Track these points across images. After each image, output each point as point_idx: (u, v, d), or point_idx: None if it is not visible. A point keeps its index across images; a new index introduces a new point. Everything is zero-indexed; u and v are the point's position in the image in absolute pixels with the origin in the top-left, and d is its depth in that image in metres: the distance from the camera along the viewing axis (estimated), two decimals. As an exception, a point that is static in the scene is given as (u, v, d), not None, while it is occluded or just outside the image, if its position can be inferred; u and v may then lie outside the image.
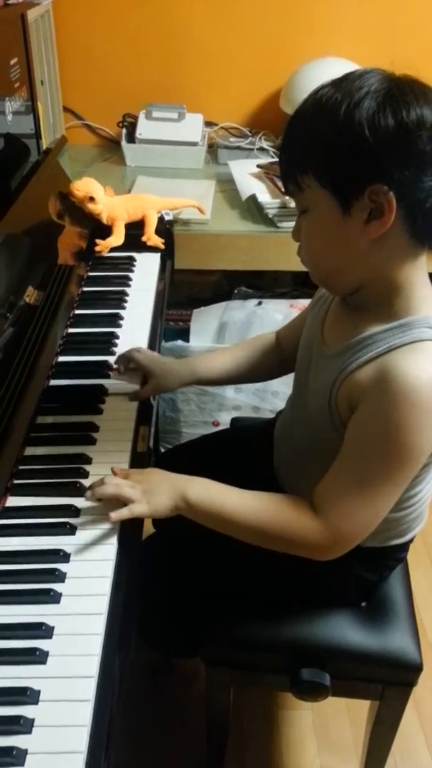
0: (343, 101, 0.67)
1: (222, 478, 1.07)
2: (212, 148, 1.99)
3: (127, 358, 1.04)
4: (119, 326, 1.17)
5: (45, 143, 1.49)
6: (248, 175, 1.75)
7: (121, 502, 0.78)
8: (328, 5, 1.86)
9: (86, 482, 0.83)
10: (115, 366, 1.05)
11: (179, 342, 1.71)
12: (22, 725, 0.57)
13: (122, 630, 0.68)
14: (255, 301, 1.75)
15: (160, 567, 1.05)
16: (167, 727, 1.28)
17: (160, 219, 1.45)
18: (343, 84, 0.68)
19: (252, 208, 1.67)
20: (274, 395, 1.70)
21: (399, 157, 0.66)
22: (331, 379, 0.79)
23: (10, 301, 1.00)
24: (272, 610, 0.96)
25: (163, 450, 1.65)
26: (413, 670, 0.94)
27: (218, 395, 1.74)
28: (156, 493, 0.79)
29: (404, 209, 0.68)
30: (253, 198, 1.65)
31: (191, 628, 1.02)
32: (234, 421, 1.35)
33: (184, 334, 1.73)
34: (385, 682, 0.97)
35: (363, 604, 0.98)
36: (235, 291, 1.81)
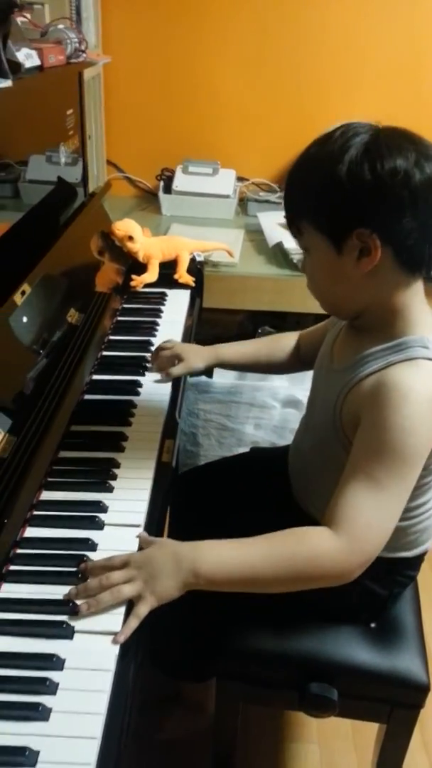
0: (329, 156, 0.77)
1: (240, 498, 1.13)
2: (243, 201, 2.13)
3: (160, 347, 1.16)
4: (150, 351, 1.25)
5: (90, 189, 1.63)
6: (276, 224, 1.87)
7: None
8: (352, 71, 2.03)
9: (114, 482, 0.90)
10: (149, 365, 1.17)
11: (203, 378, 1.79)
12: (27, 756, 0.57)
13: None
14: (277, 342, 1.83)
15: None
16: (172, 761, 1.28)
17: (192, 260, 1.55)
18: (329, 141, 0.78)
19: (278, 255, 1.77)
20: (293, 432, 1.76)
21: (378, 204, 0.76)
22: (335, 393, 0.86)
23: (55, 319, 1.09)
24: (284, 626, 0.99)
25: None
26: (421, 690, 0.96)
27: (237, 431, 1.80)
28: (159, 577, 0.74)
29: (390, 246, 0.77)
30: (279, 245, 1.76)
31: (202, 650, 1.05)
32: (253, 449, 1.40)
33: (208, 370, 1.80)
34: (392, 703, 0.98)
35: (372, 624, 1.01)
36: (259, 330, 1.90)
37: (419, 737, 1.33)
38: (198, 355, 1.16)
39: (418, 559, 0.98)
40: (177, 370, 1.13)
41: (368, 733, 1.23)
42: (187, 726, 1.32)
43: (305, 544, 0.77)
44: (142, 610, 0.72)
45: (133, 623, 0.70)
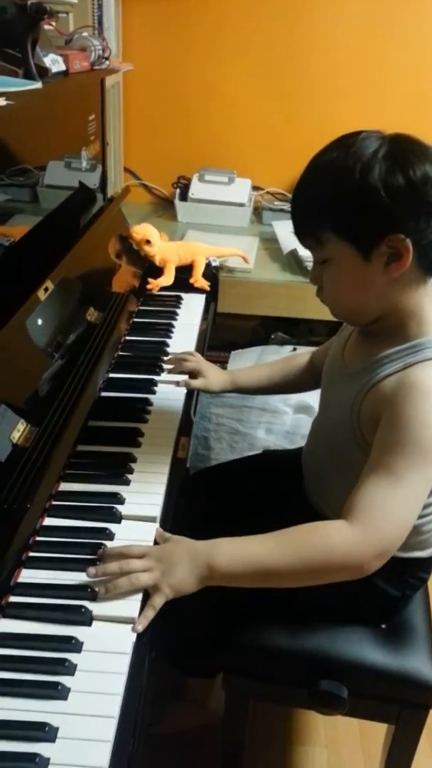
0: (356, 165, 0.77)
1: (251, 498, 1.14)
2: (257, 210, 2.16)
3: (183, 358, 1.17)
4: (165, 353, 1.27)
5: (109, 194, 1.66)
6: (290, 233, 1.88)
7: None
8: (366, 80, 2.06)
9: (131, 476, 0.91)
10: (167, 366, 1.19)
11: (216, 382, 1.80)
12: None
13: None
14: (290, 347, 1.85)
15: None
16: (176, 758, 1.28)
17: (207, 265, 1.58)
18: (350, 149, 0.78)
19: (292, 262, 1.80)
20: (305, 438, 1.77)
21: (412, 209, 0.77)
22: (352, 395, 0.87)
23: (75, 317, 1.11)
24: (295, 624, 1.00)
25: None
26: (430, 691, 0.96)
27: (249, 435, 1.81)
28: (176, 571, 0.75)
29: (416, 250, 0.79)
30: (293, 252, 1.78)
31: (212, 645, 1.06)
32: (265, 451, 1.42)
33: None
34: (401, 703, 0.99)
35: (383, 625, 1.02)
36: (272, 336, 1.92)
37: (427, 742, 1.33)
38: (216, 379, 1.16)
39: (431, 561, 0.99)
40: (196, 383, 1.14)
41: (376, 737, 1.23)
42: (187, 722, 1.32)
43: (319, 535, 0.78)
44: (158, 600, 0.73)
45: (150, 613, 0.72)
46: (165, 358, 1.23)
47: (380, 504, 0.78)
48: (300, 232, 0.85)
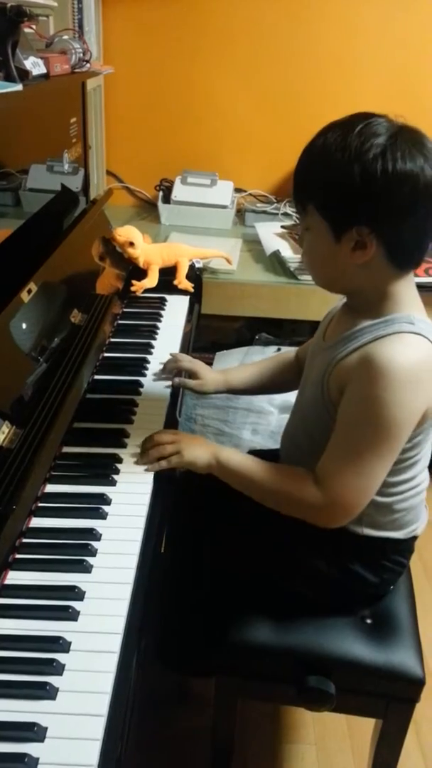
0: (347, 149, 0.79)
1: (240, 497, 1.15)
2: (240, 212, 2.17)
3: (177, 358, 1.19)
4: (150, 353, 1.27)
5: (91, 197, 1.66)
6: (273, 234, 1.90)
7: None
8: (350, 84, 2.08)
9: (117, 477, 0.92)
10: (161, 369, 1.21)
11: (201, 383, 1.81)
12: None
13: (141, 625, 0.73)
14: (274, 348, 1.86)
15: (178, 584, 1.11)
16: (171, 758, 1.28)
17: (191, 266, 1.58)
18: (350, 134, 0.80)
19: (275, 263, 1.81)
20: (290, 438, 1.78)
21: (384, 206, 0.79)
22: (324, 367, 0.91)
23: (58, 319, 1.11)
24: (281, 620, 1.01)
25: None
26: (416, 684, 0.98)
27: (234, 436, 1.82)
28: (193, 450, 0.95)
29: (384, 245, 0.82)
30: (276, 254, 1.79)
31: (203, 645, 1.07)
32: (251, 451, 1.42)
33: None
34: (388, 698, 1.00)
35: (369, 621, 1.03)
36: (256, 337, 1.93)
37: (415, 738, 1.34)
38: (211, 380, 1.18)
39: (407, 544, 1.01)
40: (192, 383, 1.17)
41: (364, 734, 1.24)
42: (192, 721, 1.33)
43: (297, 482, 0.90)
44: (174, 460, 0.94)
45: (164, 464, 0.94)
46: (151, 360, 1.24)
47: (339, 476, 0.86)
48: (293, 196, 0.90)
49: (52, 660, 0.65)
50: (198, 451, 0.95)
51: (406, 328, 0.84)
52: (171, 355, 1.23)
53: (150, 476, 0.93)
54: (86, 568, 0.76)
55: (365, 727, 1.15)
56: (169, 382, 1.18)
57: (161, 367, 1.21)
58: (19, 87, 0.95)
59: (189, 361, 1.20)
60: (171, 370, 1.19)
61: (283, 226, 1.94)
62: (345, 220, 0.81)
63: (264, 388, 1.22)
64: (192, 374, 1.18)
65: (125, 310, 1.44)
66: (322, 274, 0.91)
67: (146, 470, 0.94)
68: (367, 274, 0.85)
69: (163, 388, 1.17)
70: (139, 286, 1.49)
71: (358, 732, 1.34)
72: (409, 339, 0.83)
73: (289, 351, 1.23)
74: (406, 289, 0.88)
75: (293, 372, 1.18)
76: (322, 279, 0.92)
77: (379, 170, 0.77)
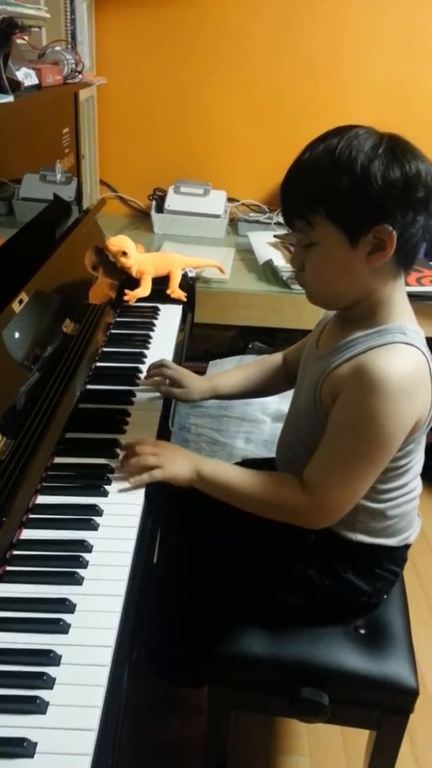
0: (359, 155, 0.80)
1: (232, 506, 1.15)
2: (233, 222, 2.18)
3: (160, 365, 1.17)
4: (143, 363, 1.27)
5: (84, 206, 1.66)
6: (266, 243, 1.91)
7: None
8: (342, 95, 2.10)
9: (109, 487, 0.91)
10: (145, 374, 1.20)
11: (194, 392, 1.81)
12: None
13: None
14: (267, 357, 1.86)
15: (170, 594, 1.10)
16: (163, 765, 1.28)
17: (184, 275, 1.58)
18: (353, 140, 0.81)
19: (268, 272, 1.81)
20: (283, 447, 1.78)
21: (402, 203, 0.81)
22: (317, 376, 0.91)
23: (51, 329, 1.11)
24: (274, 631, 1.00)
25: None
26: (410, 695, 0.97)
27: (228, 445, 1.82)
28: (175, 463, 0.94)
29: (398, 243, 0.82)
30: (269, 263, 1.80)
31: (195, 656, 1.06)
32: (245, 460, 1.42)
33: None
34: (382, 709, 0.99)
35: (362, 631, 1.03)
36: (249, 346, 1.93)
37: (409, 748, 1.34)
38: (196, 387, 1.17)
39: (400, 552, 1.01)
40: (176, 392, 1.16)
41: (359, 745, 1.23)
42: (186, 729, 1.32)
43: (282, 487, 0.92)
44: (157, 474, 0.93)
45: (146, 478, 0.92)
46: (144, 369, 1.24)
47: (326, 482, 0.88)
48: (291, 213, 0.88)
49: (43, 674, 0.64)
50: (179, 466, 0.94)
51: (399, 339, 0.85)
52: (151, 369, 1.21)
53: (142, 487, 0.93)
54: (77, 581, 0.76)
55: (360, 738, 1.14)
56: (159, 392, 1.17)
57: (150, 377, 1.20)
58: (10, 98, 0.96)
59: (173, 369, 1.18)
60: (153, 375, 1.18)
61: (275, 236, 1.95)
62: (363, 223, 0.81)
63: (251, 392, 1.22)
64: (176, 382, 1.16)
65: (118, 319, 1.44)
66: (331, 286, 0.89)
67: (124, 489, 0.92)
68: (376, 278, 0.85)
69: (155, 397, 1.16)
70: (131, 296, 1.49)
71: (352, 743, 1.34)
72: (402, 350, 0.84)
73: (275, 354, 1.22)
74: (400, 298, 0.89)
75: (280, 375, 1.18)
76: (328, 293, 0.91)
77: (397, 168, 0.79)
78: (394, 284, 0.87)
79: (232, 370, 1.25)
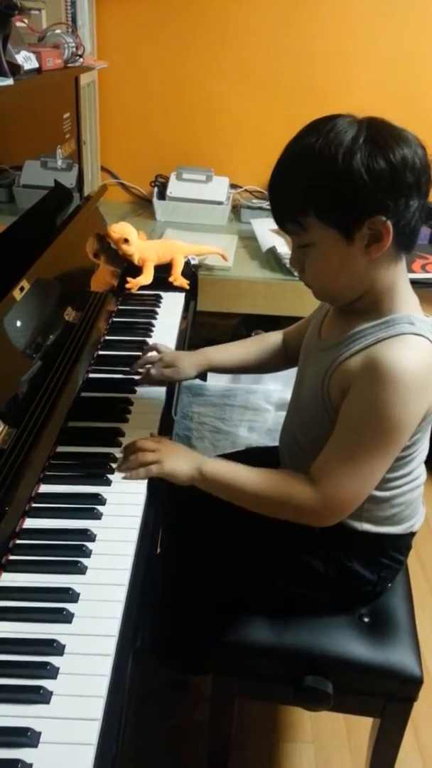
0: (338, 151, 0.77)
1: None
2: (236, 208, 2.16)
3: (148, 349, 1.17)
4: (145, 352, 1.26)
5: (86, 193, 1.64)
6: (269, 230, 1.89)
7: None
8: (345, 79, 2.07)
9: (112, 476, 0.91)
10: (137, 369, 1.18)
11: (197, 381, 1.80)
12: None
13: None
14: (271, 345, 1.85)
15: (175, 583, 1.10)
16: (170, 752, 1.28)
17: (187, 263, 1.57)
18: (329, 134, 0.78)
19: (271, 260, 1.80)
20: (286, 435, 1.77)
21: (392, 192, 0.79)
22: (324, 368, 0.90)
23: (52, 317, 1.10)
24: (278, 620, 1.00)
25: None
26: (414, 683, 0.97)
27: (231, 434, 1.81)
28: (176, 459, 0.92)
29: (395, 230, 0.80)
30: (272, 250, 1.78)
31: (199, 644, 1.06)
32: (248, 448, 1.42)
33: (202, 374, 1.82)
34: (386, 696, 0.99)
35: (366, 619, 1.02)
36: (252, 333, 1.91)
37: (413, 738, 1.34)
38: (190, 363, 1.16)
39: (405, 540, 1.00)
40: (169, 372, 1.14)
41: (363, 732, 1.23)
42: (190, 713, 1.33)
43: (288, 483, 0.89)
44: (155, 469, 0.91)
45: (143, 473, 0.90)
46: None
47: (336, 476, 0.85)
48: (281, 218, 0.86)
49: (46, 663, 0.64)
50: (179, 463, 0.92)
51: (408, 329, 0.83)
52: (140, 361, 1.19)
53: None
54: (81, 570, 0.75)
55: (363, 726, 1.14)
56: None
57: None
58: (9, 81, 0.94)
59: (163, 352, 1.17)
60: (141, 365, 1.17)
61: (279, 222, 1.93)
62: (356, 217, 0.79)
63: (249, 367, 1.21)
64: (168, 364, 1.15)
65: (120, 307, 1.43)
66: (334, 284, 0.88)
67: (123, 478, 0.91)
68: (377, 268, 0.84)
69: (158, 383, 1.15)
70: (134, 284, 1.48)
71: (356, 730, 1.34)
72: (412, 341, 0.82)
73: (274, 333, 1.21)
74: (404, 284, 0.87)
75: (279, 354, 1.18)
76: (332, 291, 0.90)
77: (381, 158, 0.77)
78: (395, 269, 0.85)
79: (230, 345, 1.23)
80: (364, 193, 0.78)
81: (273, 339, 1.20)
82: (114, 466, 0.93)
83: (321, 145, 0.79)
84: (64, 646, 0.66)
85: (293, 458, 1.03)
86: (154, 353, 1.20)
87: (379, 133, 0.79)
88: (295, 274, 1.67)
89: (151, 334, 1.33)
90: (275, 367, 1.22)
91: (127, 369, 1.19)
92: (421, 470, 0.96)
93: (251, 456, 1.30)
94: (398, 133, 0.79)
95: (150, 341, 1.30)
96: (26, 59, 1.05)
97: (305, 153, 0.80)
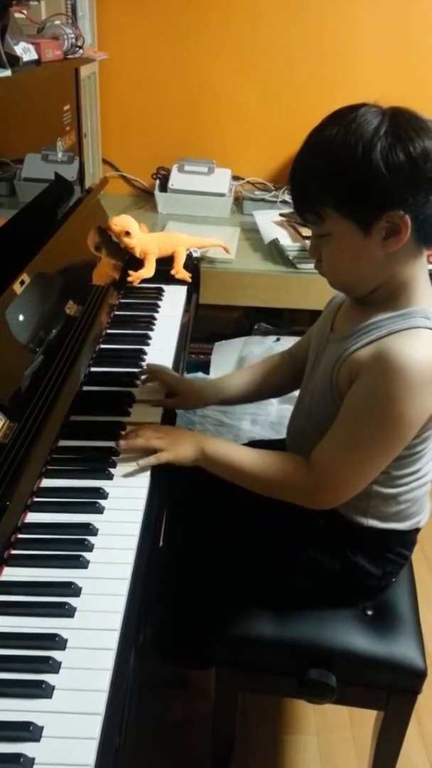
0: (358, 143, 0.76)
1: (239, 487, 1.14)
2: (238, 200, 2.15)
3: (151, 373, 1.12)
4: (147, 345, 1.26)
5: (87, 186, 1.63)
6: (271, 222, 1.88)
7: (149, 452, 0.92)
8: (349, 70, 2.05)
9: (114, 470, 0.91)
10: (141, 378, 1.14)
11: (200, 374, 1.80)
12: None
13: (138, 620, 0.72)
14: (273, 338, 1.84)
15: (177, 576, 1.10)
16: (172, 747, 1.28)
17: (189, 255, 1.56)
18: (351, 126, 0.77)
19: (273, 252, 1.79)
20: (289, 428, 1.77)
21: (411, 186, 0.77)
22: (335, 358, 0.89)
23: (53, 311, 1.10)
24: (282, 613, 1.00)
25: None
26: (418, 676, 0.97)
27: (234, 427, 1.81)
28: (180, 444, 0.93)
29: (414, 224, 0.79)
30: (275, 242, 1.77)
31: (201, 638, 1.06)
32: (252, 441, 1.41)
33: (205, 367, 1.82)
34: (390, 689, 0.99)
35: (369, 612, 1.02)
36: (255, 327, 1.91)
37: (417, 729, 1.34)
38: (196, 396, 1.11)
39: (411, 536, 1.00)
40: (166, 404, 1.08)
41: (366, 724, 1.23)
42: (192, 710, 1.33)
43: (287, 465, 0.91)
44: (164, 456, 0.92)
45: (153, 460, 0.91)
46: (148, 351, 1.22)
47: (333, 463, 0.87)
48: (300, 208, 0.86)
49: (48, 658, 0.64)
50: (184, 447, 0.93)
51: (423, 323, 0.82)
52: (148, 366, 1.16)
53: (147, 470, 0.92)
54: (83, 564, 0.75)
55: (367, 718, 1.14)
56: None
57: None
58: (8, 73, 0.93)
59: (170, 376, 1.12)
60: (149, 381, 1.12)
61: (281, 214, 1.91)
62: (373, 210, 0.78)
63: (257, 395, 1.18)
64: (171, 389, 1.11)
65: (122, 300, 1.43)
66: (350, 276, 0.87)
67: (132, 471, 0.91)
68: (396, 261, 0.83)
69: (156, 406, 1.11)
70: (135, 276, 1.47)
71: (359, 722, 1.34)
72: (426, 335, 0.81)
73: (275, 355, 1.19)
74: (423, 278, 0.86)
75: (287, 372, 1.15)
76: (349, 282, 0.89)
77: (401, 151, 0.76)
78: (415, 262, 0.84)
79: (236, 373, 1.22)
80: (382, 187, 0.77)
81: (275, 361, 1.18)
82: (116, 459, 0.93)
83: (342, 136, 0.78)
84: (66, 641, 0.66)
85: (299, 449, 1.03)
86: (162, 375, 1.13)
87: (401, 125, 0.77)
88: (298, 266, 1.68)
89: (153, 327, 1.33)
90: (285, 389, 1.19)
91: (129, 362, 1.18)
92: (430, 467, 0.95)
93: (256, 446, 1.30)
94: (421, 125, 0.78)
95: (152, 335, 1.30)
96: (25, 51, 1.04)
97: (325, 143, 0.79)
